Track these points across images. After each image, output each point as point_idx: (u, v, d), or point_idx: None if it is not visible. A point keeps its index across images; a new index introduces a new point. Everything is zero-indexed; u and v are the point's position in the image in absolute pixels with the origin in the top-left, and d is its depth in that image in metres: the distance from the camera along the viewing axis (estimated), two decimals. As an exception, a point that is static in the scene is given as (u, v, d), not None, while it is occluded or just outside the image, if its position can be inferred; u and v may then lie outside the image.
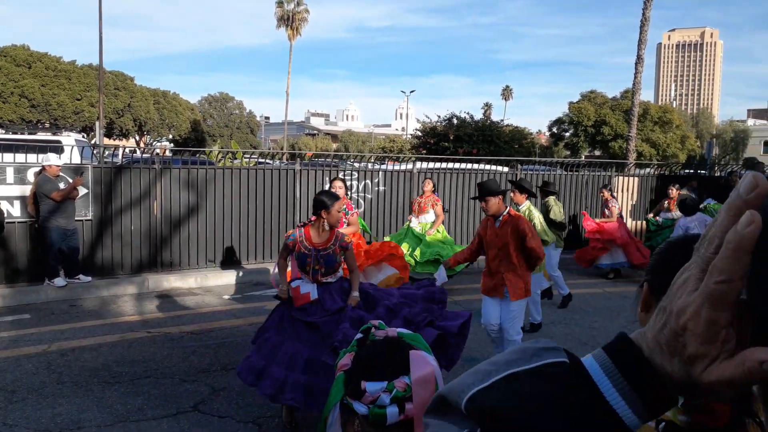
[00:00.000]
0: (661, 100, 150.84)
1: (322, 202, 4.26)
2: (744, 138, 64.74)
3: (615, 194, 10.65)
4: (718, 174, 15.68)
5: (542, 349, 0.48)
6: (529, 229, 4.88)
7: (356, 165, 12.52)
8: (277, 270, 4.60)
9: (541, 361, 0.47)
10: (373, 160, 13.42)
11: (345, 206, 6.55)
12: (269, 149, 66.74)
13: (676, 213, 10.15)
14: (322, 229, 4.31)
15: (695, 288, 0.42)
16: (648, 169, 14.39)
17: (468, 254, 5.18)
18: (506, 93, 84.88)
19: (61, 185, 7.77)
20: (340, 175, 10.43)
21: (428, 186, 8.96)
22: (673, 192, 10.31)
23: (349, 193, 10.53)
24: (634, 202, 12.79)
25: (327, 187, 10.19)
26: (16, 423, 4.32)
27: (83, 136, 23.60)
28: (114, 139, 45.99)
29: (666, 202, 10.55)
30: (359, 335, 1.35)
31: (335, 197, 4.32)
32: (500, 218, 4.93)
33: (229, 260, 9.62)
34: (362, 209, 10.64)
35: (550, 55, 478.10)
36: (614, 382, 0.44)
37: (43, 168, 7.74)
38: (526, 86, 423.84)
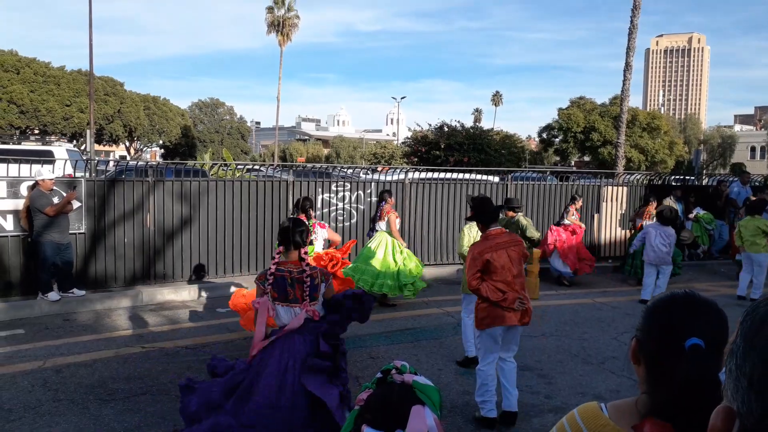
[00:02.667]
0: (650, 105, 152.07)
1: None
2: (731, 144, 65.41)
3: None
4: (706, 182, 15.90)
5: None
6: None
7: (348, 172, 12.56)
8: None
9: None
10: (365, 169, 13.48)
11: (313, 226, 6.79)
12: (260, 155, 66.58)
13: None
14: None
15: None
16: (637, 175, 14.53)
17: None
18: (496, 98, 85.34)
19: (55, 199, 7.77)
20: (332, 186, 10.51)
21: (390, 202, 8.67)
22: (651, 207, 10.63)
23: (341, 203, 10.61)
24: (623, 211, 12.94)
25: (319, 198, 10.26)
26: (13, 443, 4.34)
27: (74, 144, 23.50)
28: (104, 146, 45.83)
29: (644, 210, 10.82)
30: (379, 374, 1.45)
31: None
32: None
33: (223, 273, 9.65)
34: (354, 220, 10.71)
35: (539, 60, 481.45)
36: None
37: (37, 182, 7.74)
38: (516, 91, 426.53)
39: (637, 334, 1.33)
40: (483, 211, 4.92)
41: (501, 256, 4.70)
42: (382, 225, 8.62)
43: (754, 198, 9.62)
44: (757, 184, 14.50)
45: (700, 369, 1.19)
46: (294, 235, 3.85)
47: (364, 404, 1.41)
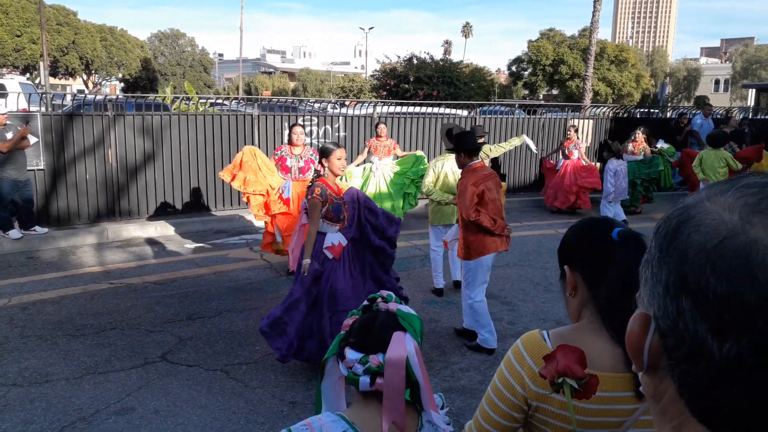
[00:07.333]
0: (619, 37, 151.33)
1: (326, 149, 4.52)
2: (696, 76, 65.97)
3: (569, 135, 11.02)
4: (670, 114, 16.10)
5: None
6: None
7: (316, 106, 12.33)
8: (301, 241, 4.51)
9: None
10: (333, 103, 13.24)
11: (312, 152, 7.01)
12: (224, 89, 64.72)
13: (638, 156, 10.71)
14: (331, 178, 4.55)
15: None
16: (603, 108, 14.61)
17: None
18: (466, 30, 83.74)
19: (9, 135, 7.50)
20: (299, 121, 10.33)
21: (385, 131, 9.19)
22: (639, 136, 10.73)
23: (309, 138, 10.48)
24: (588, 144, 13.08)
25: (287, 132, 10.11)
26: (-17, 378, 4.35)
27: (27, 78, 22.48)
28: (60, 79, 43.92)
29: (630, 144, 10.88)
30: (366, 302, 1.50)
31: (336, 145, 4.54)
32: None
33: (189, 208, 9.56)
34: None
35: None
36: None
37: (-11, 117, 7.43)
38: (486, 22, 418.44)
39: (565, 268, 1.45)
40: (467, 142, 4.91)
41: (489, 186, 4.82)
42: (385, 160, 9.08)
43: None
44: (718, 116, 14.74)
45: (634, 251, 1.29)
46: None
47: (349, 329, 1.46)
